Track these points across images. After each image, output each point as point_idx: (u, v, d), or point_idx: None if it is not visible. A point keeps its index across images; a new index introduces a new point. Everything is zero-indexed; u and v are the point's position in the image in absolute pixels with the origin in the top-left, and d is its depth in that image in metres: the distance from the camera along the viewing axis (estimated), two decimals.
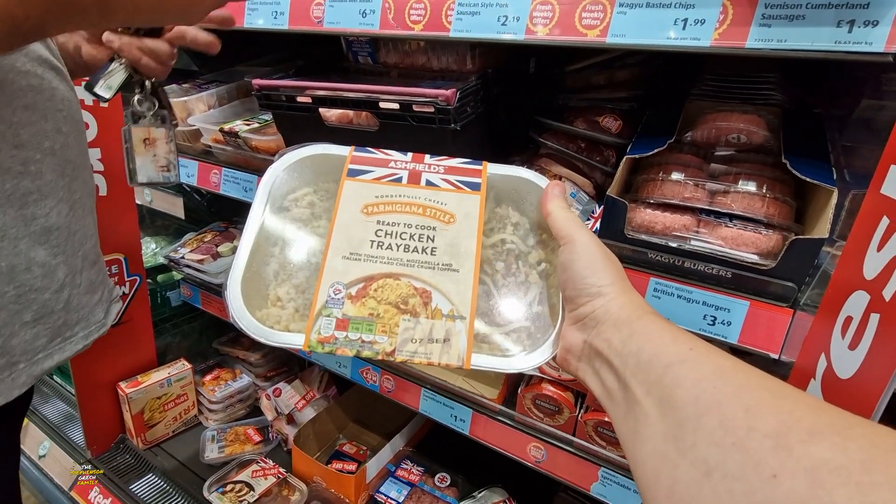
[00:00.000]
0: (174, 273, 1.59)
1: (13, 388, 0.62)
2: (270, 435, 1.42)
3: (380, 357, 0.45)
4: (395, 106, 0.77)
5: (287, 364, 1.60)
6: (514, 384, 0.94)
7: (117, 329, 0.76)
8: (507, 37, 0.66)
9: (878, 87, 0.77)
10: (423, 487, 1.22)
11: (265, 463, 1.32)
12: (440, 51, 0.91)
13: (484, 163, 0.54)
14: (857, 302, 0.42)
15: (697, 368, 0.33)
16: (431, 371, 0.99)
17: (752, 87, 0.78)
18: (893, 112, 0.74)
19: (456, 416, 0.95)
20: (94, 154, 1.17)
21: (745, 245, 0.60)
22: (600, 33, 0.60)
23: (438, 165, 0.53)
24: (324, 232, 0.50)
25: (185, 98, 1.17)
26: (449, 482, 1.24)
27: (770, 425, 0.27)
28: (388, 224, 0.49)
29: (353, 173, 0.52)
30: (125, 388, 1.34)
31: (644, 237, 0.65)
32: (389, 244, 0.49)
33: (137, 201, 1.33)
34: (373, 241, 0.49)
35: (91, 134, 1.15)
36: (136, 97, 0.80)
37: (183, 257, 1.36)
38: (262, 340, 0.45)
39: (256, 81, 0.87)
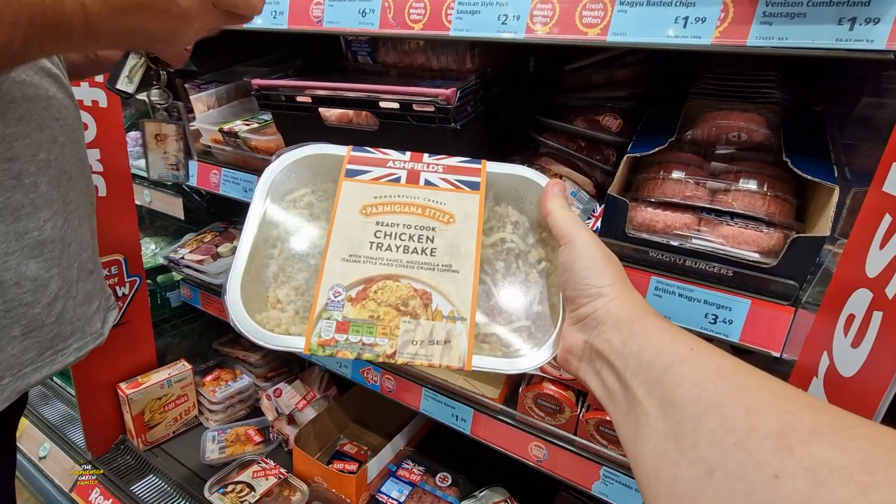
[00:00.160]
0: (174, 274, 1.59)
1: None
2: (271, 435, 1.42)
3: (380, 360, 0.45)
4: (396, 105, 0.77)
5: (287, 364, 1.60)
6: (515, 383, 0.94)
7: (117, 330, 0.76)
8: (507, 36, 0.66)
9: (879, 85, 0.76)
10: (424, 487, 1.22)
11: (266, 463, 1.31)
12: (440, 50, 0.90)
13: (483, 161, 0.54)
14: (859, 300, 0.42)
15: (698, 368, 0.33)
16: (432, 371, 0.99)
17: (752, 86, 0.78)
18: (894, 110, 0.74)
19: (457, 416, 0.95)
20: (94, 155, 1.16)
21: (746, 243, 0.60)
22: (601, 32, 0.60)
23: (437, 164, 0.53)
24: (323, 233, 0.50)
25: None
26: (450, 482, 1.24)
27: (771, 425, 0.27)
28: (387, 225, 0.49)
29: (351, 173, 0.51)
30: (125, 389, 1.34)
31: (645, 236, 0.65)
32: (389, 245, 0.48)
33: (137, 202, 1.32)
34: (372, 243, 0.48)
35: (90, 134, 1.15)
36: (151, 89, 0.78)
37: (183, 258, 1.35)
38: (263, 344, 0.45)
39: (256, 81, 0.86)
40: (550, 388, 0.86)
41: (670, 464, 0.30)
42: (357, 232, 0.49)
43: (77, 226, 0.68)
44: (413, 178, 0.52)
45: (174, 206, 1.35)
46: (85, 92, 1.12)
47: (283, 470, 1.29)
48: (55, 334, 0.65)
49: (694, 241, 0.63)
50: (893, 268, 0.38)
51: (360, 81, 0.79)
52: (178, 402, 1.44)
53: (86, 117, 1.13)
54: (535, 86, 1.02)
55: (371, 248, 0.48)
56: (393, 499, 1.19)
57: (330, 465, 1.25)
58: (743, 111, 0.73)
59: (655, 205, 0.65)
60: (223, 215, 1.62)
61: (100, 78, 1.12)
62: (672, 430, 0.31)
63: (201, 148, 1.15)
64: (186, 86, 1.21)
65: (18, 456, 1.44)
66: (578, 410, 0.85)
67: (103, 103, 1.16)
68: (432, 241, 0.49)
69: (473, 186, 0.52)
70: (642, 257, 0.66)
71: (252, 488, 1.24)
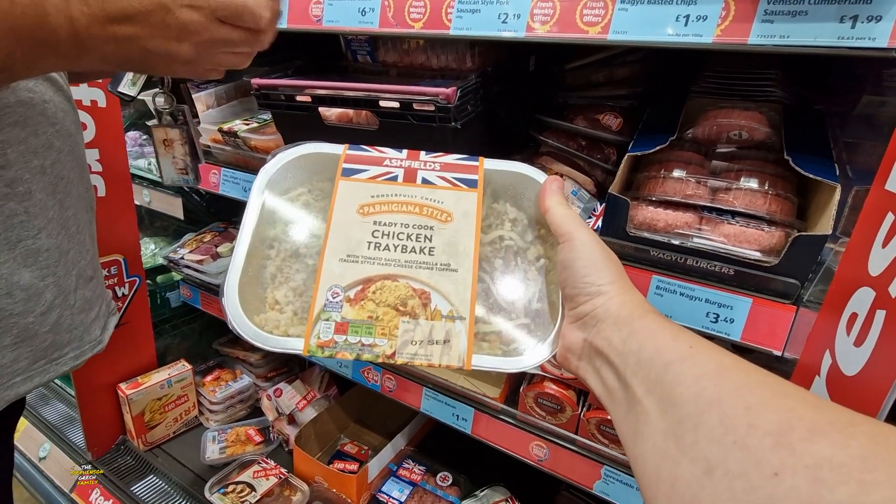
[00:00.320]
0: (173, 274, 1.59)
1: None
2: (271, 435, 1.42)
3: (380, 360, 0.45)
4: (396, 105, 0.77)
5: (287, 364, 1.60)
6: (516, 383, 0.94)
7: (117, 331, 0.75)
8: (508, 34, 0.66)
9: (879, 83, 0.76)
10: (424, 487, 1.22)
11: (266, 463, 1.31)
12: (440, 49, 0.90)
13: (480, 158, 0.53)
14: (862, 298, 0.42)
15: (698, 366, 0.33)
16: (433, 371, 0.98)
17: (752, 84, 0.78)
18: (895, 108, 0.74)
19: (458, 416, 0.95)
20: (93, 155, 1.16)
21: (747, 242, 0.60)
22: (602, 30, 0.59)
23: (434, 162, 0.53)
24: (320, 233, 0.50)
25: None
26: (451, 481, 1.24)
27: (771, 423, 0.27)
28: (384, 224, 0.49)
29: (347, 172, 0.51)
30: (125, 389, 1.34)
31: (646, 235, 0.65)
32: (387, 245, 0.48)
33: (136, 202, 1.32)
34: (370, 243, 0.48)
35: (89, 134, 1.15)
36: (154, 94, 0.76)
37: (182, 258, 1.35)
38: (262, 346, 0.45)
39: (255, 81, 0.86)
40: (551, 388, 0.86)
41: (670, 462, 0.30)
42: (354, 232, 0.48)
43: (75, 233, 0.67)
44: (410, 176, 0.51)
45: (174, 206, 1.35)
46: (84, 92, 1.12)
47: (283, 470, 1.29)
48: (50, 343, 0.63)
49: (695, 239, 0.62)
50: None
51: (360, 81, 0.79)
52: (179, 403, 1.44)
53: (85, 117, 1.13)
54: (536, 85, 1.01)
55: (369, 248, 0.48)
56: (394, 498, 1.19)
57: (330, 465, 1.25)
58: (744, 109, 0.73)
59: (656, 204, 0.65)
60: (223, 215, 1.62)
61: None
62: (672, 429, 0.31)
63: (201, 148, 1.15)
64: (186, 85, 1.20)
65: (19, 457, 1.45)
66: (579, 410, 0.85)
67: (102, 103, 1.15)
68: (430, 240, 0.48)
69: (471, 184, 0.51)
70: (643, 256, 0.66)
71: (253, 488, 1.24)
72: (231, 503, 1.20)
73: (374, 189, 0.50)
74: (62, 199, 0.64)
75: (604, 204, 0.71)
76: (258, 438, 1.40)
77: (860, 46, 0.48)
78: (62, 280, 0.64)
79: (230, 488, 1.24)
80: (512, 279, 0.49)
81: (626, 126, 0.86)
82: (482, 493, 1.17)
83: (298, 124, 0.90)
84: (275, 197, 0.51)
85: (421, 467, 1.27)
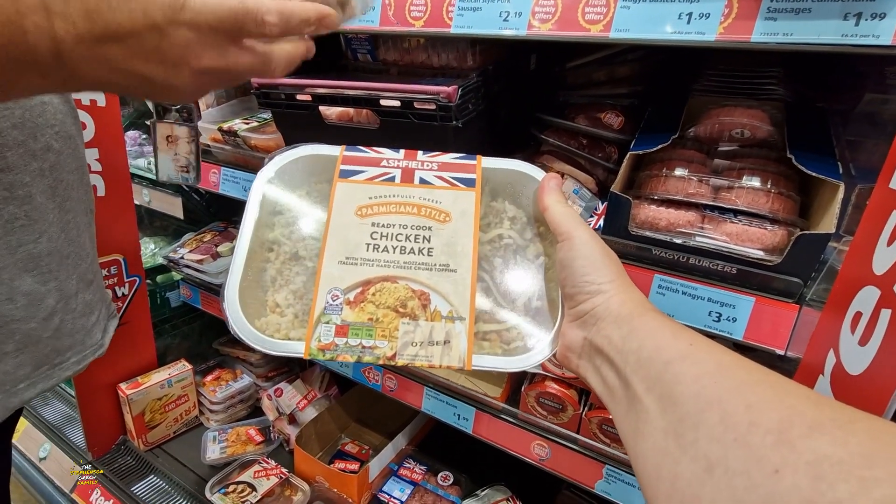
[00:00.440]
0: (173, 273, 1.58)
1: None
2: (272, 435, 1.42)
3: (381, 362, 0.45)
4: (396, 103, 0.76)
5: (288, 364, 1.60)
6: (517, 382, 0.94)
7: (117, 331, 0.75)
8: (509, 33, 0.66)
9: (882, 81, 0.76)
10: (426, 486, 1.22)
11: (267, 463, 1.31)
12: (440, 47, 0.90)
13: (478, 157, 0.53)
14: (866, 297, 0.42)
15: (698, 364, 0.33)
16: (434, 370, 0.98)
17: (754, 82, 0.77)
18: None
19: (459, 415, 0.94)
20: (92, 154, 1.16)
21: (750, 241, 0.60)
22: (604, 28, 0.59)
23: (431, 162, 0.52)
24: (319, 236, 0.49)
25: None
26: (452, 480, 1.23)
27: (771, 421, 0.27)
28: (383, 226, 0.49)
29: (345, 174, 0.51)
30: (125, 389, 1.33)
31: (648, 234, 0.65)
32: (385, 246, 0.48)
33: (136, 201, 1.32)
34: (368, 244, 0.48)
35: (88, 134, 1.14)
36: None
37: (182, 257, 1.35)
38: (263, 350, 0.45)
39: (255, 80, 0.86)
40: (553, 387, 0.86)
41: (670, 461, 0.30)
42: (353, 234, 0.48)
43: (76, 236, 0.66)
44: (408, 176, 0.51)
45: (173, 206, 1.35)
46: None
47: (284, 470, 1.29)
48: (52, 349, 0.63)
49: (697, 238, 0.62)
50: None
51: (361, 79, 0.79)
52: (179, 403, 1.43)
53: (84, 116, 1.12)
54: (537, 83, 1.01)
55: (368, 250, 0.48)
56: (395, 498, 1.19)
57: (331, 465, 1.25)
58: (746, 108, 0.72)
59: (658, 202, 0.65)
60: (222, 214, 1.62)
61: None
62: (672, 427, 0.31)
63: (201, 147, 1.15)
64: None
65: (19, 457, 1.45)
66: (581, 409, 0.85)
67: (101, 102, 1.15)
68: (429, 241, 0.48)
69: (469, 183, 0.51)
70: (645, 255, 0.66)
71: (253, 488, 1.24)
72: (232, 503, 1.20)
73: (371, 190, 0.50)
74: (62, 202, 0.63)
75: (605, 203, 0.70)
76: (259, 438, 1.40)
77: (864, 44, 0.47)
78: (63, 284, 0.63)
79: (231, 488, 1.24)
80: (511, 278, 0.49)
81: (628, 124, 0.85)
82: (483, 493, 1.17)
83: (299, 123, 0.89)
84: (273, 200, 0.51)
85: (422, 467, 1.26)
